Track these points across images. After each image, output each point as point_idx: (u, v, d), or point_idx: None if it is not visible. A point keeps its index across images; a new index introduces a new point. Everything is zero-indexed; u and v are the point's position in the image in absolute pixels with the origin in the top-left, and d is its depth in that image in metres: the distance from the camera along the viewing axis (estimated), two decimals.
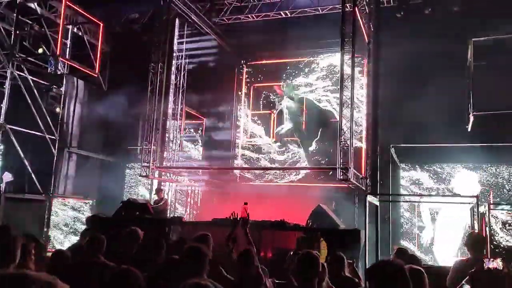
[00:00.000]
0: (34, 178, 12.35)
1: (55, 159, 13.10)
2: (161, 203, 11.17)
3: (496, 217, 8.19)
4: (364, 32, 11.37)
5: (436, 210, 10.44)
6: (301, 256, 3.39)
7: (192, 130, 14.85)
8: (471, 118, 9.42)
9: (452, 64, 10.57)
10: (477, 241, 5.03)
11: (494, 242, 7.61)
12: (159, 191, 11.92)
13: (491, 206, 7.95)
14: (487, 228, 7.52)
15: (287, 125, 13.92)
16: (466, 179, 10.26)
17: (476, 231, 7.25)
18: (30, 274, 1.25)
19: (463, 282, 4.05)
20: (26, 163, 12.22)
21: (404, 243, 10.19)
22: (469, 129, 9.82)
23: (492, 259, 3.98)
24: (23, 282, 1.22)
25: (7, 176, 12.06)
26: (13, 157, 12.27)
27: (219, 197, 13.15)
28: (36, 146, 12.87)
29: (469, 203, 8.21)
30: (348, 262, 4.93)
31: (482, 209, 7.85)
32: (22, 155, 12.10)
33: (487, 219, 7.27)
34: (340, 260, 4.67)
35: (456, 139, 10.15)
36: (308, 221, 9.12)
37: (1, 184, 11.89)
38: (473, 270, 3.63)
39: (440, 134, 10.30)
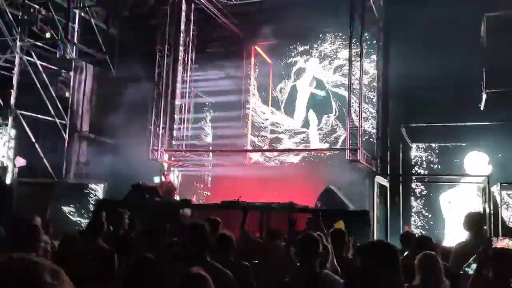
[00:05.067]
0: (46, 162, 12.48)
1: (66, 143, 13.20)
2: (168, 186, 11.23)
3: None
4: (374, 9, 11.12)
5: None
6: (302, 237, 3.38)
7: (201, 112, 14.78)
8: (484, 96, 9.20)
9: (465, 41, 10.29)
10: (473, 220, 4.93)
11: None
12: (166, 174, 11.98)
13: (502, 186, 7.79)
14: (499, 208, 7.41)
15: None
16: (478, 159, 10.05)
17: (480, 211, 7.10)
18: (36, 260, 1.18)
19: (470, 261, 3.96)
20: (38, 148, 12.34)
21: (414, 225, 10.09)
22: (482, 108, 9.59)
23: (500, 238, 3.89)
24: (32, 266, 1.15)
25: (20, 161, 12.18)
26: (25, 142, 12.37)
27: (228, 179, 13.12)
28: (47, 131, 12.96)
29: (480, 182, 8.08)
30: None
31: (493, 189, 7.70)
32: (33, 140, 12.21)
33: (498, 199, 7.14)
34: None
35: (468, 118, 9.94)
36: (317, 202, 9.09)
37: (14, 169, 12.05)
38: (480, 248, 3.53)
39: (452, 113, 10.09)
